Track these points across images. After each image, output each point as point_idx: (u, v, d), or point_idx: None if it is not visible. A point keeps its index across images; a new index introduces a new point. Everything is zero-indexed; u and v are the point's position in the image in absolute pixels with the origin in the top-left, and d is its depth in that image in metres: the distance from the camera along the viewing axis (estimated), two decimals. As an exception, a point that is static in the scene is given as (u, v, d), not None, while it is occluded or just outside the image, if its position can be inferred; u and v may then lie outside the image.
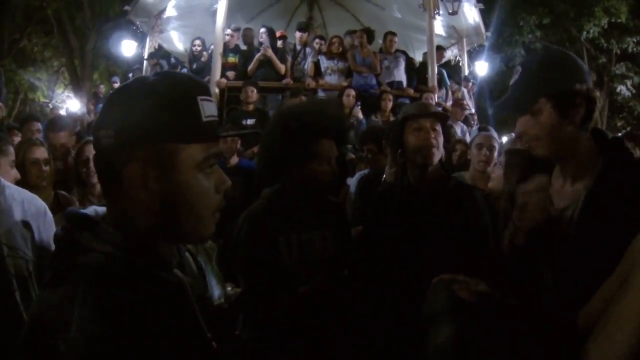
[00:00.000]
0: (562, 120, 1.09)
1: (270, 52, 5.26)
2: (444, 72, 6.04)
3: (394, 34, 5.50)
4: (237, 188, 3.49)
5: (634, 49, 11.48)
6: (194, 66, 5.96)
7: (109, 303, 0.60)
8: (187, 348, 0.69)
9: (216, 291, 1.69)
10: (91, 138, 0.90)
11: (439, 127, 1.68)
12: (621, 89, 12.35)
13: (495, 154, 2.61)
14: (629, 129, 13.03)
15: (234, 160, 3.63)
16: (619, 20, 10.85)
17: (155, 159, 0.66)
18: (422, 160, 1.65)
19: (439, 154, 1.66)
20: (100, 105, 0.94)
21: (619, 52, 11.83)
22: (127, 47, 8.45)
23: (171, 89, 0.68)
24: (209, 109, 0.70)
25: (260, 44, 5.43)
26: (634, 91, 12.40)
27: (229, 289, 1.83)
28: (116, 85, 7.76)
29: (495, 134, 2.80)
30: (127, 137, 0.65)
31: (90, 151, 2.27)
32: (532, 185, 1.25)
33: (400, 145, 1.72)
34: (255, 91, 4.72)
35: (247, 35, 5.85)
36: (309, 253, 1.57)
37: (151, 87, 0.68)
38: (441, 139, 1.68)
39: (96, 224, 0.68)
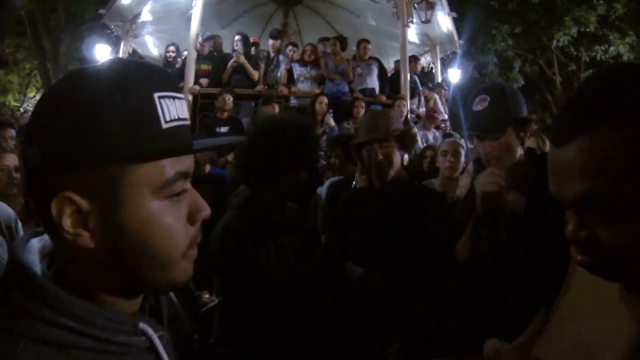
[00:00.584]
0: (518, 141, 1.34)
1: (242, 59, 5.27)
2: (417, 79, 6.15)
3: (367, 41, 5.57)
4: (208, 197, 3.51)
5: (602, 57, 11.90)
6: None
7: None
8: None
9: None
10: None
11: (391, 144, 1.72)
12: (590, 95, 12.76)
13: (462, 159, 2.68)
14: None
15: (207, 168, 3.61)
16: (588, 30, 11.25)
17: (92, 187, 0.48)
18: (377, 176, 1.74)
19: (393, 169, 1.72)
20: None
21: (587, 60, 12.23)
22: (100, 51, 8.30)
23: (114, 85, 0.48)
24: (173, 109, 0.50)
25: (234, 50, 5.44)
26: (602, 98, 12.80)
27: (206, 296, 1.82)
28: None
29: (460, 140, 2.87)
30: (53, 158, 0.47)
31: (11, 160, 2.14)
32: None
33: (362, 160, 1.82)
34: (231, 99, 4.72)
35: (217, 42, 5.85)
36: (283, 258, 1.63)
37: (88, 86, 0.48)
38: (395, 153, 1.73)
39: (33, 280, 0.49)
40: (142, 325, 0.54)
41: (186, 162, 0.52)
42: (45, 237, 0.55)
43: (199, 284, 1.92)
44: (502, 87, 1.40)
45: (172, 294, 0.71)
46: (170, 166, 0.50)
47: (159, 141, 0.49)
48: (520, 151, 1.36)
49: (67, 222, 0.48)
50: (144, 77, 0.50)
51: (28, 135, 0.50)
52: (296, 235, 1.69)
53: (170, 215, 0.52)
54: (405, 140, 1.76)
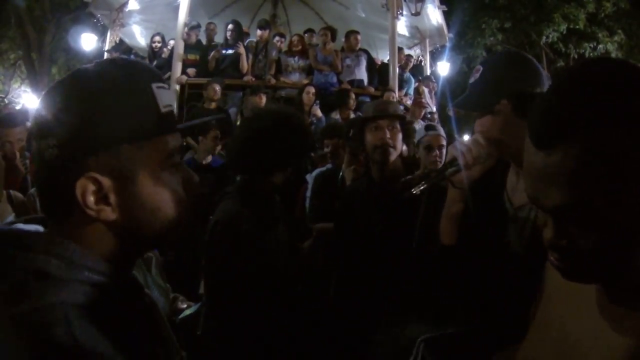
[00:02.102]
0: (520, 121, 1.06)
1: (242, 50, 5.20)
2: (411, 78, 6.13)
3: (357, 32, 5.54)
4: (208, 186, 3.46)
5: (591, 54, 12.01)
6: (155, 63, 5.82)
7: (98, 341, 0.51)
8: None
9: (159, 302, 1.66)
10: None
11: (397, 126, 1.74)
12: (578, 91, 12.91)
13: (444, 151, 2.65)
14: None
15: (209, 158, 3.59)
16: (577, 27, 11.34)
17: (112, 166, 0.56)
18: (379, 158, 1.72)
19: (396, 152, 1.73)
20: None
21: (576, 56, 12.33)
22: (87, 41, 8.16)
23: (119, 79, 0.58)
24: (166, 97, 0.61)
25: (226, 38, 5.33)
26: (589, 94, 12.95)
27: (184, 305, 1.76)
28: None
29: (442, 132, 2.84)
30: (74, 146, 0.54)
31: None
32: None
33: (361, 143, 1.79)
34: (219, 88, 4.67)
35: (211, 30, 5.77)
36: (282, 250, 1.63)
37: (95, 81, 0.57)
38: (399, 137, 1.75)
39: (59, 243, 0.55)
40: (146, 291, 0.67)
41: (178, 139, 0.64)
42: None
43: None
44: (501, 56, 1.23)
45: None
46: (170, 142, 0.61)
47: (161, 121, 0.59)
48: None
49: (90, 200, 0.55)
50: (143, 71, 0.61)
51: (40, 130, 0.56)
52: (282, 224, 1.69)
53: (174, 182, 0.62)
54: (408, 131, 1.77)
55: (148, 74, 0.61)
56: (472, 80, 1.17)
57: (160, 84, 0.61)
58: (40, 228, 0.61)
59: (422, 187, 1.13)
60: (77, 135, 0.54)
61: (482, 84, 1.13)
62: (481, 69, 1.15)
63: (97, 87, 0.56)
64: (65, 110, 0.55)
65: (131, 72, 0.59)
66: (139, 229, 0.60)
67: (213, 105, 4.69)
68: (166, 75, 5.54)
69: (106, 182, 0.56)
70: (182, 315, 1.68)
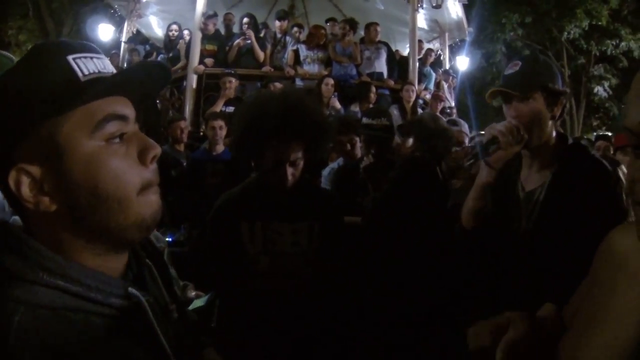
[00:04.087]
0: (548, 113, 1.27)
1: (253, 39, 5.18)
2: (432, 72, 6.02)
3: (377, 24, 5.45)
4: (219, 176, 3.46)
5: (613, 51, 11.73)
6: (170, 54, 5.82)
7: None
8: None
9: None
10: None
11: None
12: (598, 89, 12.62)
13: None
14: (604, 129, 13.31)
15: (220, 148, 3.57)
16: (600, 23, 11.06)
17: (37, 151, 0.52)
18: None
19: None
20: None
21: (598, 54, 12.07)
22: (104, 32, 8.18)
23: (23, 65, 0.54)
24: (91, 65, 0.56)
25: (242, 32, 5.33)
26: (610, 92, 12.67)
27: (193, 293, 1.74)
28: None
29: (465, 128, 2.77)
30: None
31: None
32: None
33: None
34: (233, 81, 4.63)
35: (229, 20, 5.75)
36: (274, 245, 1.49)
37: (14, 70, 0.54)
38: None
39: (24, 242, 0.53)
40: (131, 290, 0.58)
41: (117, 106, 0.56)
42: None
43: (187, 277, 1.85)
44: (537, 55, 1.38)
45: (151, 264, 0.71)
46: (99, 110, 0.54)
47: (79, 91, 0.53)
48: (551, 126, 1.29)
49: (26, 192, 0.52)
50: (56, 47, 0.56)
51: None
52: (309, 224, 1.51)
53: (114, 156, 0.55)
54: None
55: (62, 49, 0.55)
56: (510, 72, 1.31)
57: (81, 55, 0.55)
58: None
59: (470, 162, 1.33)
60: None
61: (523, 73, 1.28)
62: (520, 63, 1.31)
63: (14, 75, 0.54)
64: None
65: (37, 53, 0.56)
66: (85, 215, 0.54)
67: (232, 95, 4.64)
68: (180, 65, 5.55)
69: (35, 169, 0.53)
70: (192, 307, 1.64)
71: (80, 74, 0.54)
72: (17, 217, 0.59)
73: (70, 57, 0.54)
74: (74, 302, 0.53)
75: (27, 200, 0.53)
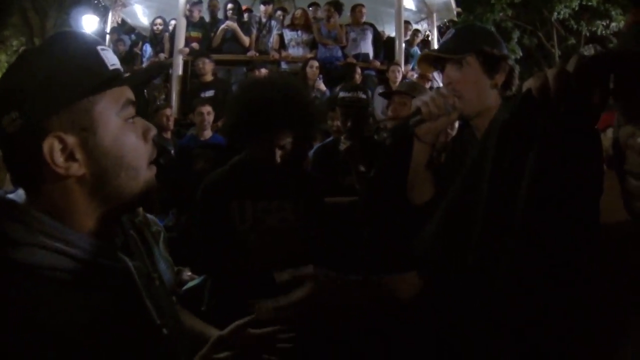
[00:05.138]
0: (487, 79, 1.18)
1: (234, 25, 5.15)
2: (418, 51, 5.99)
3: (362, 5, 5.41)
4: (208, 161, 3.46)
5: (603, 32, 11.68)
6: (157, 49, 5.77)
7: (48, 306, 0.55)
8: (136, 339, 0.64)
9: (165, 275, 1.64)
10: None
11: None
12: (589, 70, 12.64)
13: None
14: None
15: (208, 134, 3.61)
16: (590, 3, 10.99)
17: (73, 122, 0.60)
18: None
19: None
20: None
21: (588, 34, 12.00)
22: (88, 23, 8.09)
23: (68, 45, 0.63)
24: (112, 58, 0.66)
25: (226, 16, 5.30)
26: (601, 72, 12.68)
27: (188, 274, 1.77)
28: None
29: None
30: (36, 112, 0.58)
31: None
32: None
33: None
34: (207, 62, 4.64)
35: (214, 6, 5.70)
36: (263, 222, 1.54)
37: (47, 51, 0.63)
38: None
39: (25, 212, 0.59)
40: (120, 255, 0.66)
41: (130, 94, 0.67)
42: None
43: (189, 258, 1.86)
44: (474, 24, 1.34)
45: (134, 234, 0.78)
46: (122, 94, 0.66)
47: (109, 77, 0.64)
48: (494, 95, 1.19)
49: (58, 158, 0.59)
50: (88, 37, 0.67)
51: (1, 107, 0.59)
52: (293, 201, 1.58)
53: (132, 132, 0.66)
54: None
55: (93, 39, 0.67)
56: (445, 38, 1.27)
57: (104, 47, 0.66)
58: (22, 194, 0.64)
59: (384, 135, 1.20)
60: (38, 100, 0.58)
61: (455, 38, 1.23)
62: (453, 30, 1.27)
63: (49, 56, 0.61)
64: (22, 82, 0.59)
65: (78, 38, 0.65)
66: (107, 181, 0.63)
67: (208, 79, 4.65)
68: (165, 59, 5.48)
69: (70, 139, 0.60)
70: (186, 287, 1.66)
71: (108, 63, 0.65)
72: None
73: (99, 48, 0.64)
74: (71, 264, 0.59)
75: (59, 165, 0.59)
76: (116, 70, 0.66)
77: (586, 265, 0.53)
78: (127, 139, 0.65)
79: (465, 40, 1.20)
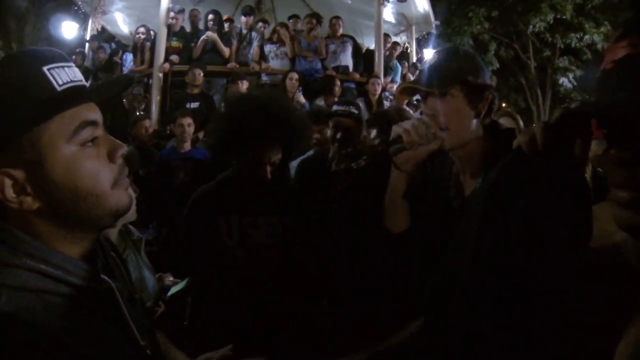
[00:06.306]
0: (470, 110, 1.12)
1: (215, 36, 5.16)
2: (398, 65, 6.11)
3: (338, 17, 5.50)
4: (188, 174, 3.44)
5: (577, 44, 12.08)
6: (138, 58, 5.72)
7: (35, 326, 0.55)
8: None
9: (149, 282, 1.64)
10: None
11: None
12: (564, 81, 13.03)
13: None
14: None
15: (187, 146, 3.59)
16: (564, 17, 11.37)
17: (20, 157, 0.58)
18: None
19: None
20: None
21: (562, 46, 12.39)
22: (68, 29, 7.98)
23: (10, 73, 0.59)
24: (64, 75, 0.61)
25: (206, 27, 5.32)
26: (575, 83, 13.08)
27: (170, 279, 1.78)
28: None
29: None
30: None
31: None
32: None
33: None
34: (201, 74, 4.63)
35: (194, 16, 5.70)
36: (250, 237, 1.55)
37: None
38: None
39: (8, 231, 0.59)
40: (103, 276, 0.65)
41: (88, 113, 0.62)
42: None
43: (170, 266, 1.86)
44: (457, 48, 1.29)
45: (115, 255, 0.79)
46: (75, 118, 0.60)
47: (57, 100, 0.59)
48: (476, 125, 1.13)
49: (10, 193, 0.58)
50: (30, 58, 0.60)
51: None
52: (280, 216, 1.60)
53: (89, 158, 0.62)
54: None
55: (37, 60, 0.60)
56: (427, 66, 1.20)
57: (54, 65, 0.60)
58: None
59: (362, 162, 1.13)
60: None
61: (439, 68, 1.16)
62: (437, 56, 1.21)
63: None
64: None
65: (11, 64, 0.60)
66: (67, 211, 0.61)
67: (196, 90, 4.63)
68: (144, 67, 5.43)
69: (19, 173, 0.58)
70: (171, 293, 1.67)
71: (55, 84, 0.60)
72: None
73: (45, 68, 0.59)
74: (54, 286, 0.58)
75: (11, 201, 0.58)
76: (69, 89, 0.61)
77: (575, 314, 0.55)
78: (81, 167, 0.61)
79: (450, 72, 1.13)
